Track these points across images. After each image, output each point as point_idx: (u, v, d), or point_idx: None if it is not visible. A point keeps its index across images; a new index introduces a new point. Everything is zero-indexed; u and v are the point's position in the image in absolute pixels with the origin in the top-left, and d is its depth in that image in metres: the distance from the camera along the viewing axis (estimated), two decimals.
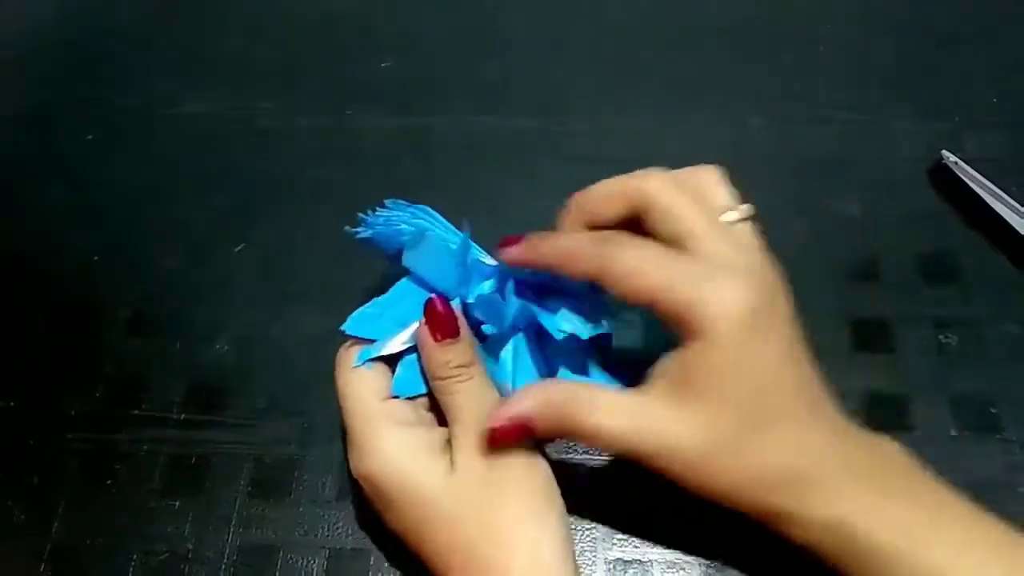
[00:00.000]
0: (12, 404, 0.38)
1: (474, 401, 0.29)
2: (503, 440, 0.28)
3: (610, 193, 0.29)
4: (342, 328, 0.31)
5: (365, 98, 0.47)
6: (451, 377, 0.29)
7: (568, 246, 0.28)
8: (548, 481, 0.29)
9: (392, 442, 0.28)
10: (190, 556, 0.33)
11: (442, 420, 0.30)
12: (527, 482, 0.28)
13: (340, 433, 0.36)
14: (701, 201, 0.28)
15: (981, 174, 0.40)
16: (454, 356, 0.29)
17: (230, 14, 0.52)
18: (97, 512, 0.35)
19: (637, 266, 0.26)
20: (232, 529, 0.34)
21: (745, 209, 0.28)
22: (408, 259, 0.31)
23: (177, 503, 0.35)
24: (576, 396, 0.27)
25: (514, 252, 0.29)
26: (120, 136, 0.47)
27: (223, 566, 0.33)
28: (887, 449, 0.27)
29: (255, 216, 0.43)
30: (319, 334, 0.39)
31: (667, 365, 0.27)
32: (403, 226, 0.31)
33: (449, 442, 0.29)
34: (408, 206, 0.32)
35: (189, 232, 0.43)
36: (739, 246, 0.27)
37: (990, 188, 0.40)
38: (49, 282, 0.41)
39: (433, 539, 0.27)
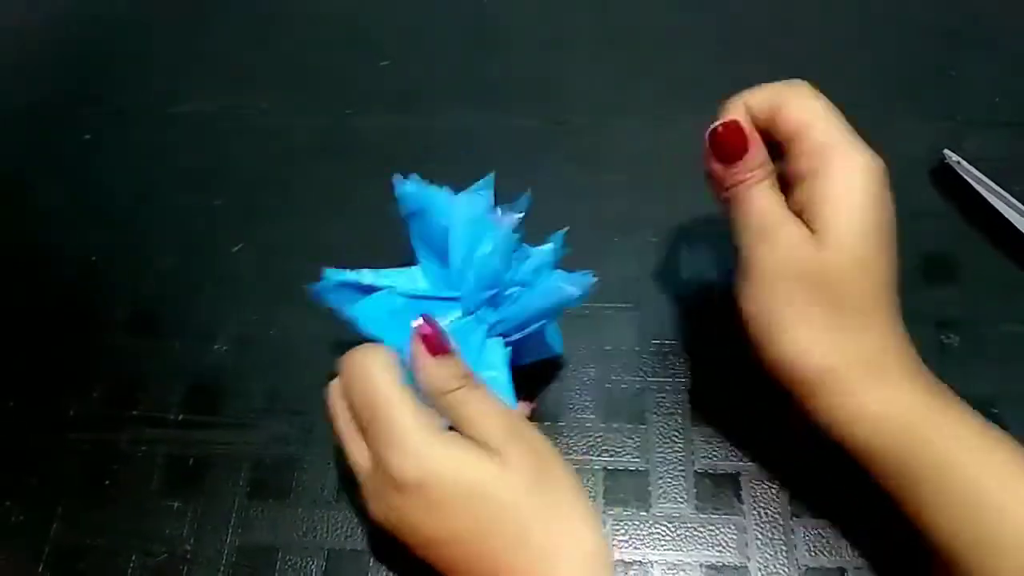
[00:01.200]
0: (11, 404, 0.38)
1: (491, 404, 0.28)
2: (725, 135, 0.30)
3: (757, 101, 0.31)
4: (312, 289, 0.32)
5: (364, 97, 0.47)
6: (459, 388, 0.28)
7: (752, 91, 0.31)
8: (578, 478, 0.29)
9: (442, 443, 0.27)
10: (188, 557, 0.33)
11: None
12: (567, 476, 0.28)
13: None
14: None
15: (983, 174, 0.40)
16: (455, 368, 0.28)
17: (229, 14, 0.52)
18: (96, 513, 0.35)
19: (801, 98, 0.30)
20: (231, 530, 0.34)
21: None
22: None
23: (176, 504, 0.34)
24: (769, 168, 0.29)
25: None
26: (118, 136, 0.47)
27: (222, 567, 0.33)
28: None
29: (254, 216, 0.43)
30: (318, 334, 0.39)
31: (799, 195, 0.29)
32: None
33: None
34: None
35: (188, 232, 0.43)
36: None
37: (992, 188, 0.40)
38: (47, 282, 0.41)
39: (486, 537, 0.27)
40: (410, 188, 0.32)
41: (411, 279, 0.32)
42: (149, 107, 0.48)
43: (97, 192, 0.45)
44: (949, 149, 0.41)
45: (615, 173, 0.43)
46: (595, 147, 0.45)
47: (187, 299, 0.40)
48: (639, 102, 0.46)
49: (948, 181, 0.41)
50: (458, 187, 0.33)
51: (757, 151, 0.29)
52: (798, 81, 0.31)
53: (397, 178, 0.32)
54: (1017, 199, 0.39)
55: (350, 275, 0.32)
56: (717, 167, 0.30)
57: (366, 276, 0.32)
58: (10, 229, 0.44)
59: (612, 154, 0.44)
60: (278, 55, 0.50)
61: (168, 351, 0.39)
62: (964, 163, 0.41)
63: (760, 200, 0.29)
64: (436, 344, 0.28)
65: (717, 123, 0.30)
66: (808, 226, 0.28)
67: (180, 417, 0.37)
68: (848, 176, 0.28)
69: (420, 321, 0.29)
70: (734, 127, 0.30)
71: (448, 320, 0.31)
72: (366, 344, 0.30)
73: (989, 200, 0.40)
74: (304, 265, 0.41)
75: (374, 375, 0.28)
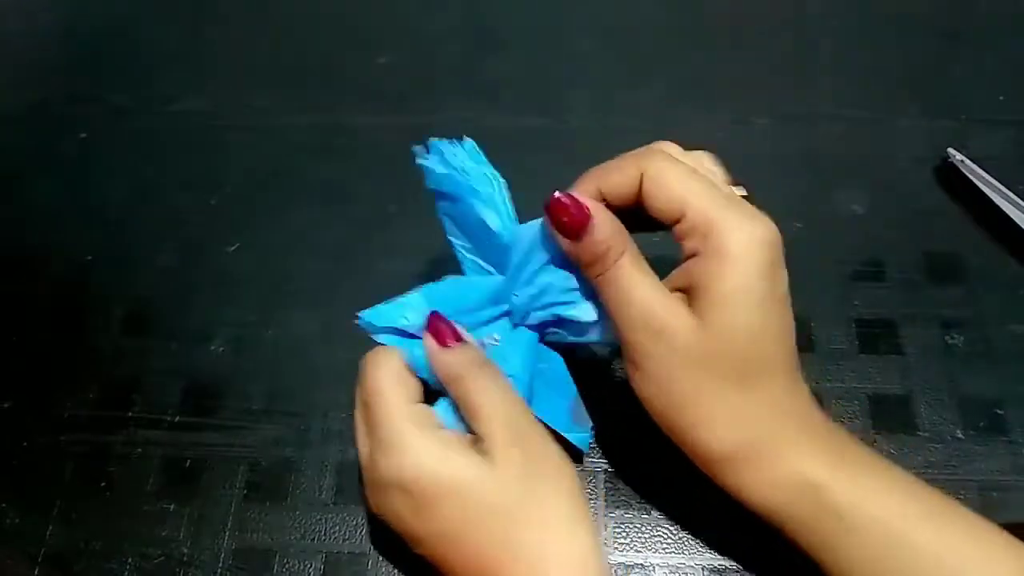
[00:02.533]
0: (6, 406, 0.37)
1: (496, 396, 0.28)
2: (558, 208, 0.28)
3: (619, 171, 0.29)
4: (359, 319, 0.31)
5: (363, 96, 0.47)
6: (465, 376, 0.28)
7: (609, 167, 0.29)
8: (578, 482, 0.29)
9: (429, 440, 0.27)
10: (185, 560, 0.33)
11: None
12: (564, 479, 0.28)
13: (338, 435, 0.35)
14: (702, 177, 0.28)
15: (988, 173, 0.40)
16: (461, 355, 0.29)
17: (227, 13, 0.52)
18: (92, 515, 0.34)
19: (672, 176, 0.27)
20: (227, 533, 0.33)
21: (740, 190, 0.29)
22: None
23: (172, 506, 0.34)
24: (633, 257, 0.28)
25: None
26: (115, 135, 0.46)
27: (218, 570, 0.33)
28: (840, 428, 0.28)
29: (251, 215, 0.43)
30: (315, 335, 0.38)
31: (679, 278, 0.27)
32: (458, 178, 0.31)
33: (475, 443, 0.28)
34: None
35: (185, 231, 0.42)
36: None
37: (997, 187, 0.39)
38: (43, 282, 0.41)
39: (469, 536, 0.27)
40: (436, 167, 0.31)
41: (451, 296, 0.31)
42: (148, 107, 0.48)
43: (95, 191, 0.44)
44: (953, 148, 0.41)
45: None
46: (595, 147, 0.44)
47: (184, 299, 0.40)
48: (639, 102, 0.46)
49: (952, 180, 0.41)
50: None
51: (603, 222, 0.27)
52: (658, 149, 0.28)
53: (419, 150, 0.31)
54: (1021, 198, 0.39)
55: (395, 319, 0.30)
56: (569, 246, 0.28)
57: (409, 315, 0.30)
58: (8, 228, 0.44)
59: (612, 154, 0.44)
60: (278, 55, 0.50)
61: (165, 352, 0.38)
62: (968, 162, 0.40)
63: (637, 291, 0.27)
64: (443, 333, 0.29)
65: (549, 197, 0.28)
66: (694, 301, 0.26)
67: (176, 419, 0.36)
68: (733, 260, 0.26)
69: (428, 316, 0.29)
70: (560, 201, 0.27)
71: (495, 337, 0.31)
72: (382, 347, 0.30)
73: (993, 199, 0.39)
74: (303, 265, 0.41)
75: (370, 372, 0.29)
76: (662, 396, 0.27)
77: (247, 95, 0.47)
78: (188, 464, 0.35)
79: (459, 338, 0.29)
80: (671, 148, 0.29)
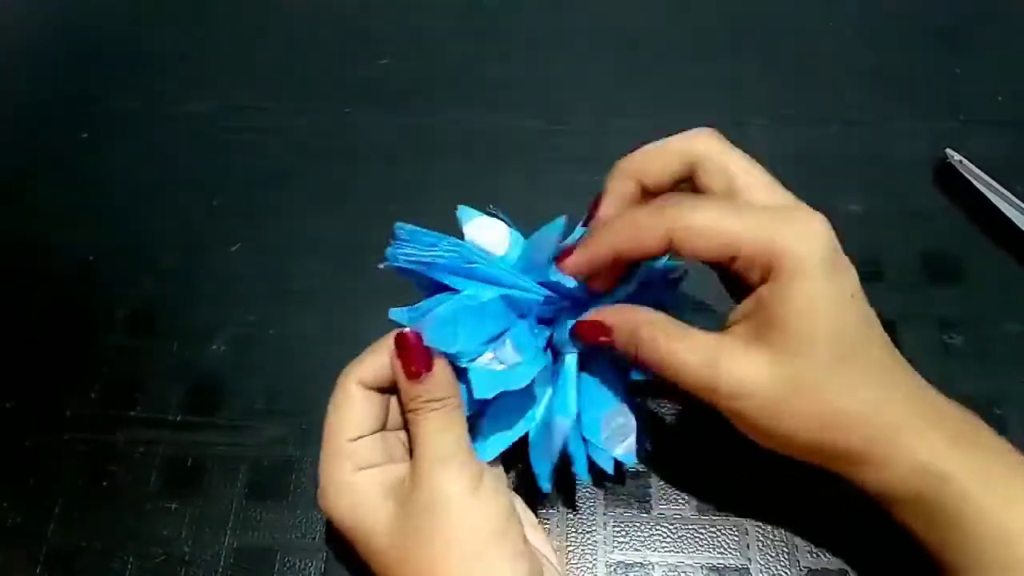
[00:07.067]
0: (8, 405, 0.37)
1: (433, 436, 0.27)
2: (584, 333, 0.28)
3: (662, 153, 0.29)
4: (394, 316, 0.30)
5: (365, 97, 0.47)
6: (419, 410, 0.28)
7: (625, 226, 0.27)
8: (502, 518, 0.27)
9: (345, 482, 0.28)
10: (187, 559, 0.33)
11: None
12: (472, 517, 0.26)
13: None
14: (750, 158, 0.28)
15: (986, 173, 0.40)
16: (424, 391, 0.28)
17: (229, 14, 0.52)
18: (93, 514, 0.34)
19: (708, 222, 0.26)
20: (229, 531, 0.34)
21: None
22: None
23: (174, 505, 0.34)
24: (656, 322, 0.27)
25: (573, 263, 0.28)
26: (118, 135, 0.47)
27: (220, 569, 0.33)
28: (960, 407, 0.27)
29: (253, 216, 0.43)
30: (317, 334, 0.39)
31: (746, 307, 0.27)
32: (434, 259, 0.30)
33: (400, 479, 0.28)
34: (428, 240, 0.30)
35: (187, 232, 0.42)
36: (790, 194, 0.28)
37: (994, 187, 0.40)
38: (46, 282, 0.41)
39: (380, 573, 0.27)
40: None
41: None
42: (149, 107, 0.48)
43: (96, 191, 0.45)
44: (951, 148, 0.41)
45: None
46: (595, 147, 0.44)
47: (185, 299, 0.40)
48: (639, 102, 0.46)
49: (950, 180, 0.41)
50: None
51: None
52: (693, 138, 0.28)
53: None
54: (1019, 198, 0.39)
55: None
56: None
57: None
58: (9, 228, 0.44)
59: (612, 154, 0.44)
60: (278, 55, 0.50)
61: (166, 351, 0.39)
62: (966, 162, 0.40)
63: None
64: (411, 362, 0.28)
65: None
66: (766, 329, 0.26)
67: (178, 418, 0.37)
68: (796, 279, 0.25)
69: (399, 336, 0.28)
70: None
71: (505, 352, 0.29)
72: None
73: (991, 199, 0.39)
74: (304, 265, 0.41)
75: (333, 397, 0.29)
76: (771, 430, 0.26)
77: (249, 96, 0.47)
78: (190, 463, 0.35)
79: (428, 367, 0.27)
80: (705, 138, 0.29)
